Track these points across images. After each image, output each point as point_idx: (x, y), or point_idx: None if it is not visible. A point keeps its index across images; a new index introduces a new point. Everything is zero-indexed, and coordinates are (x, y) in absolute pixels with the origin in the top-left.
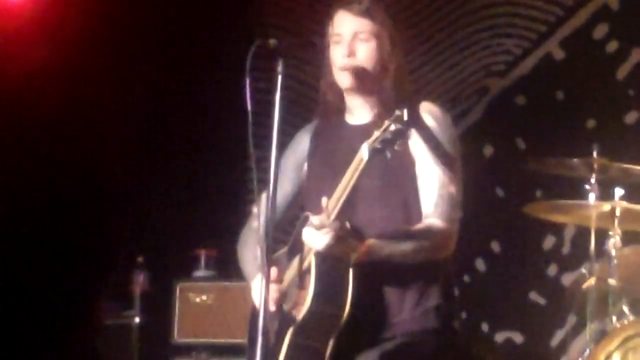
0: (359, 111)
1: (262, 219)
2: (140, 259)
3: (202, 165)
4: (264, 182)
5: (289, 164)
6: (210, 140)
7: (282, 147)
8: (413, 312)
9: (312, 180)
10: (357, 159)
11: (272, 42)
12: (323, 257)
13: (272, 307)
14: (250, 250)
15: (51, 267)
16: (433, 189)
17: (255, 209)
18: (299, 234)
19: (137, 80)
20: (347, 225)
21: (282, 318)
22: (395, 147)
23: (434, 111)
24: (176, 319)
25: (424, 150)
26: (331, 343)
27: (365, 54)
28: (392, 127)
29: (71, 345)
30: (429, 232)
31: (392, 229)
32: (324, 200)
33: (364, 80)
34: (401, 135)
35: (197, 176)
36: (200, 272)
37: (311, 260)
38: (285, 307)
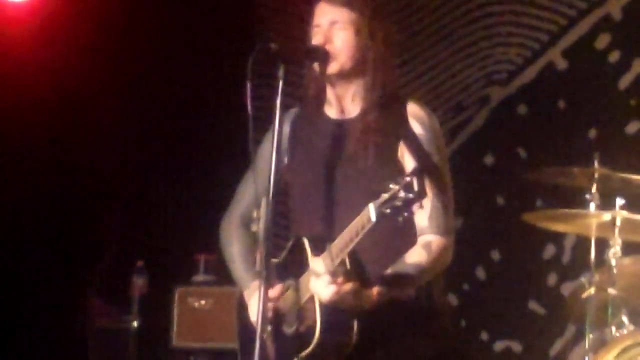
0: (339, 104)
1: (262, 223)
2: (140, 263)
3: (202, 170)
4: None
5: (270, 149)
6: (212, 145)
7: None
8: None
9: (294, 173)
10: (364, 218)
11: (274, 46)
12: None
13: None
14: (236, 248)
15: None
16: (425, 202)
17: (238, 197)
18: (293, 254)
19: (140, 87)
20: (353, 275)
21: (284, 341)
22: (405, 214)
23: (421, 116)
24: (175, 323)
25: (412, 162)
26: None
27: (341, 40)
28: (402, 195)
29: (61, 344)
30: (428, 252)
31: (390, 250)
32: (328, 245)
33: (341, 67)
34: (412, 205)
35: (198, 181)
36: (199, 277)
37: (314, 295)
38: (288, 330)
